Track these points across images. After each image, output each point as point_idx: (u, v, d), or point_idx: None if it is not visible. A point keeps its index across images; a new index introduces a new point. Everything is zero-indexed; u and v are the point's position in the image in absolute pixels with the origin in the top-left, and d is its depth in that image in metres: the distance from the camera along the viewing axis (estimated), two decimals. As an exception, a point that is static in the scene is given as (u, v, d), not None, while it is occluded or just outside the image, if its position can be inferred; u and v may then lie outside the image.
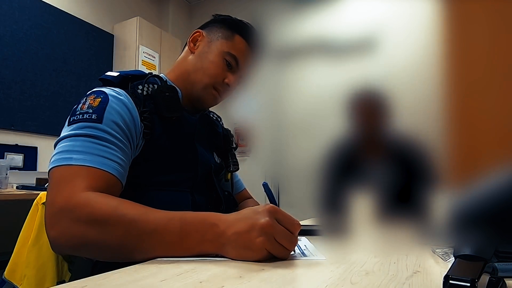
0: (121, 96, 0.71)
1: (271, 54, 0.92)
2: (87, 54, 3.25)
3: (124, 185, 0.65)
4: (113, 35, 3.54)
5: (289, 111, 0.97)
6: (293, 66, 0.92)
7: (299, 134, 0.93)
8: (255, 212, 0.51)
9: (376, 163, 0.83)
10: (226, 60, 0.84)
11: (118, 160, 0.64)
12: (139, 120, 0.71)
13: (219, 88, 0.85)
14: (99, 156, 0.61)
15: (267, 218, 0.49)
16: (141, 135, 0.72)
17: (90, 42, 3.28)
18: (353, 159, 0.83)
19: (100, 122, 0.64)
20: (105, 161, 0.61)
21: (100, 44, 3.39)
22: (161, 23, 4.13)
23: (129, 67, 3.32)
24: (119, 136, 0.66)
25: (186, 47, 0.90)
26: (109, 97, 0.68)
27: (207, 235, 0.51)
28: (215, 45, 0.86)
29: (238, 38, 0.86)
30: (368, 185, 0.78)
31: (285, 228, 0.50)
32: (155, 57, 3.64)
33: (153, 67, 3.60)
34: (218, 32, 0.87)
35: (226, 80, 0.84)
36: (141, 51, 3.44)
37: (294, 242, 0.52)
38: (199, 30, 0.90)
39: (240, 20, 0.90)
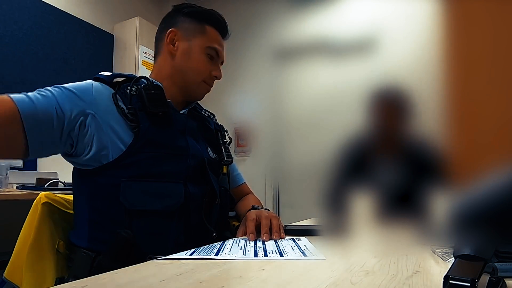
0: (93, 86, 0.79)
1: (271, 54, 0.92)
2: (87, 54, 3.24)
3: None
4: (113, 35, 3.54)
5: (289, 111, 0.97)
6: (293, 66, 0.92)
7: (299, 134, 0.93)
8: None
9: (377, 163, 0.83)
10: (209, 54, 0.91)
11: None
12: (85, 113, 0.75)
13: (209, 81, 0.93)
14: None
15: None
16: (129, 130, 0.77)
17: (90, 42, 3.28)
18: (353, 160, 0.83)
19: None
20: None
21: (100, 44, 3.38)
22: (161, 23, 4.12)
23: (129, 67, 3.32)
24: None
25: (164, 47, 0.92)
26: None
27: None
28: (194, 42, 0.90)
29: (210, 29, 0.91)
30: (369, 185, 0.78)
31: None
32: (155, 57, 3.62)
33: (153, 67, 3.58)
34: (190, 27, 0.91)
35: (213, 73, 0.92)
36: (141, 51, 3.43)
37: None
38: (173, 29, 0.91)
39: (202, 9, 0.93)
